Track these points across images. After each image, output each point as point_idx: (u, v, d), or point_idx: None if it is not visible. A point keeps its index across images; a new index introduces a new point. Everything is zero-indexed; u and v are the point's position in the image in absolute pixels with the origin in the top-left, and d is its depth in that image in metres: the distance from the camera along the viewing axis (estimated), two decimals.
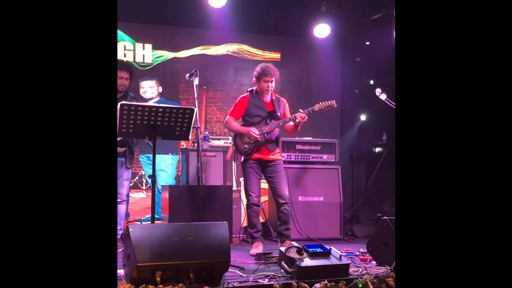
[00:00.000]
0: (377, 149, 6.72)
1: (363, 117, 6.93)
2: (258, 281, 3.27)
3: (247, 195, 4.64)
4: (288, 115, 4.71)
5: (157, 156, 3.76)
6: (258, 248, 4.50)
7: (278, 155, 4.74)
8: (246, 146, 4.63)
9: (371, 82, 6.78)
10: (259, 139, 4.58)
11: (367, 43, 6.74)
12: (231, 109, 4.77)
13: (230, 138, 6.53)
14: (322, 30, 6.41)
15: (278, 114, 4.66)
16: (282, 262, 3.45)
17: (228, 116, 4.74)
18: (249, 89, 4.79)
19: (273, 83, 4.65)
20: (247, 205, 4.66)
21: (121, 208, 4.90)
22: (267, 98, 4.70)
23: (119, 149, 4.79)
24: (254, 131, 4.56)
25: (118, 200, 4.82)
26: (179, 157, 6.28)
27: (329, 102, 4.63)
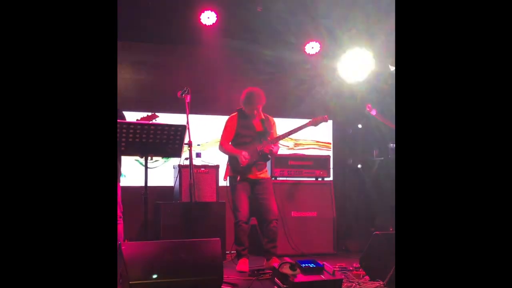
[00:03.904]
0: (369, 164, 6.74)
1: (354, 132, 6.96)
2: None
3: (236, 211, 4.61)
4: (275, 135, 4.76)
5: None
6: (244, 264, 4.51)
7: (266, 174, 4.78)
8: (241, 165, 4.60)
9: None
10: (249, 162, 4.56)
11: None
12: (222, 132, 4.75)
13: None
14: (312, 47, 6.47)
15: (272, 132, 4.69)
16: (275, 278, 3.45)
17: (220, 140, 4.73)
18: (238, 108, 4.78)
19: (260, 109, 4.66)
20: (235, 222, 4.62)
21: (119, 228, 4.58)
22: (256, 118, 4.70)
23: None
24: (245, 156, 4.55)
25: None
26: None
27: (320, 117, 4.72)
